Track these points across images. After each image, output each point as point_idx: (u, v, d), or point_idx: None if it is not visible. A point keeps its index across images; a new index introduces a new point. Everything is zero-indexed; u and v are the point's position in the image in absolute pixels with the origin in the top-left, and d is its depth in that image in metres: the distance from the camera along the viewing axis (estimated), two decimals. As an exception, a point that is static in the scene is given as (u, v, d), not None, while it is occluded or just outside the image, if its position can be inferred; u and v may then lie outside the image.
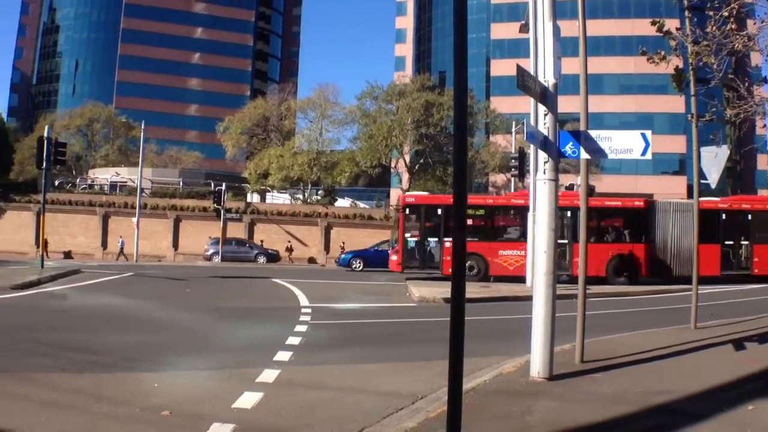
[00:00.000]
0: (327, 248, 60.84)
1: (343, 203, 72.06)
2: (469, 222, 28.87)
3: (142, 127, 61.48)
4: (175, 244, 60.64)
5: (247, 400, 7.39)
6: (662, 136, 66.93)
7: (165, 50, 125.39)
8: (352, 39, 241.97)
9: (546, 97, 8.83)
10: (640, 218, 31.82)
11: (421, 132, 66.55)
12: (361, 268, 42.85)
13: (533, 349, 8.74)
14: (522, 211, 29.65)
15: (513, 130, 55.67)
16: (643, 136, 9.29)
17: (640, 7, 79.59)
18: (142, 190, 59.30)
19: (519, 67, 8.13)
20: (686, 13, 13.39)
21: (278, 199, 72.24)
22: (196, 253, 57.37)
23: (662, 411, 7.19)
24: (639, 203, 32.55)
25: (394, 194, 78.76)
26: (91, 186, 72.55)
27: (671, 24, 12.31)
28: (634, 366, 9.64)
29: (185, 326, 14.49)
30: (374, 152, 66.10)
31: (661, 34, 11.99)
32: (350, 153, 69.72)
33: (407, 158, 70.68)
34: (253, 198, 71.03)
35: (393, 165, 73.55)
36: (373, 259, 43.23)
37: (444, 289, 20.55)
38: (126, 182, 68.73)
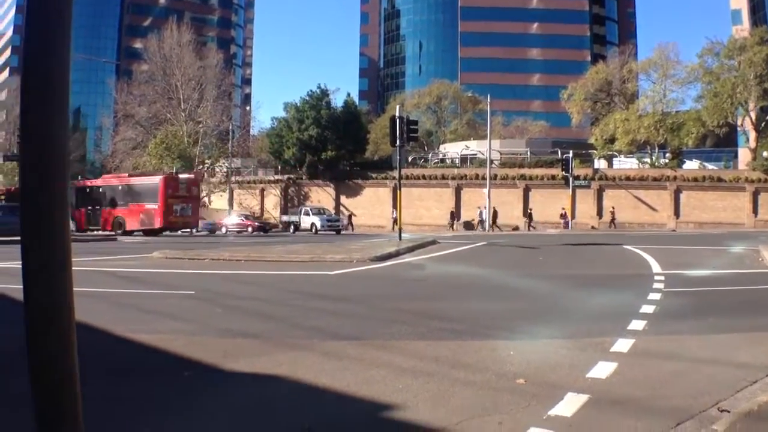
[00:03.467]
0: (677, 212, 58.15)
1: (690, 165, 68.22)
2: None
3: (488, 100, 63.18)
4: (525, 213, 61.43)
5: (602, 370, 7.13)
6: None
7: (503, 24, 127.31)
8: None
9: None
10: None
11: (765, 87, 61.19)
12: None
13: None
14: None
15: None
16: None
17: None
18: (491, 161, 60.91)
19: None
20: None
21: (625, 163, 70.22)
22: (547, 221, 57.80)
23: None
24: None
25: (743, 154, 73.06)
26: (442, 160, 76.10)
27: None
28: None
29: (538, 294, 14.47)
30: (720, 111, 62.38)
31: None
32: (695, 113, 66.12)
33: (753, 115, 65.19)
34: (600, 164, 69.72)
35: (739, 123, 68.21)
36: None
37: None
38: (476, 155, 70.99)
